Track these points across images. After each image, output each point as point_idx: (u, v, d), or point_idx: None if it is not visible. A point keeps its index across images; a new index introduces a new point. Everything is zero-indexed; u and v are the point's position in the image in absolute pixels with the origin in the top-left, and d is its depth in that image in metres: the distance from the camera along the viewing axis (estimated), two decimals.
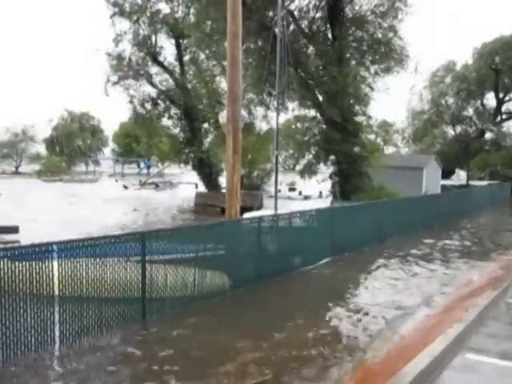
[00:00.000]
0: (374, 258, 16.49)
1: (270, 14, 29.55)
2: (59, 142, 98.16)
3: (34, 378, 7.41)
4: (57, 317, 8.41)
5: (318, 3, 30.59)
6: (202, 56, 39.49)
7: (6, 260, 7.79)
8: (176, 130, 43.82)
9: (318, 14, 30.94)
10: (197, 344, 8.60)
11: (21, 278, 7.90)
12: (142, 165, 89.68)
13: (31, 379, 7.36)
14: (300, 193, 47.90)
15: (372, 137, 34.29)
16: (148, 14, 40.53)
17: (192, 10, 38.35)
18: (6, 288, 7.73)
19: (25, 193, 45.93)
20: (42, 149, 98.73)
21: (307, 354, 8.21)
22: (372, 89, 30.10)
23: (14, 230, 14.99)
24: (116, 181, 69.40)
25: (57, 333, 8.41)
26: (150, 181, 63.16)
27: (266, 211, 20.71)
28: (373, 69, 30.30)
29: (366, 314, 10.57)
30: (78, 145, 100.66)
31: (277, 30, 23.50)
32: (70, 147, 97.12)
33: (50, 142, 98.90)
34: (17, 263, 7.93)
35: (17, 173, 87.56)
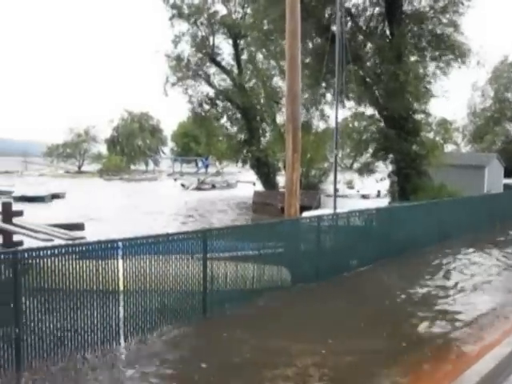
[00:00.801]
0: (434, 258, 16.21)
1: (327, 12, 29.45)
2: (120, 141, 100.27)
3: (102, 371, 7.66)
4: (121, 312, 8.67)
5: (375, 0, 30.29)
6: (260, 56, 39.64)
7: (73, 256, 8.10)
8: (234, 130, 44.15)
9: (376, 11, 30.62)
10: (254, 342, 8.67)
11: (87, 273, 8.18)
12: (200, 164, 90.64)
13: (100, 374, 7.59)
14: (358, 192, 47.53)
15: (431, 135, 33.51)
16: (206, 15, 41.06)
17: (249, 11, 38.58)
18: (74, 284, 8.02)
19: (88, 191, 47.19)
20: (103, 148, 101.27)
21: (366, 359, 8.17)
22: (428, 89, 29.42)
23: (79, 227, 15.40)
24: (175, 180, 70.39)
25: (121, 328, 8.66)
26: (208, 179, 63.78)
27: (325, 210, 20.67)
28: (432, 65, 29.73)
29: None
30: (138, 144, 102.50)
31: (334, 29, 23.40)
32: (130, 147, 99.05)
33: (111, 142, 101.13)
34: (84, 260, 8.22)
35: (79, 172, 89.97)
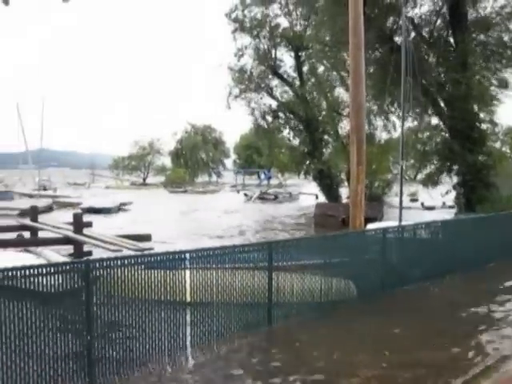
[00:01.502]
0: (500, 274, 15.42)
1: (390, 22, 29.20)
2: (183, 154, 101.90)
3: (168, 379, 7.81)
4: (188, 322, 8.80)
5: (438, 9, 29.83)
6: (321, 67, 39.61)
7: (142, 267, 8.30)
8: (296, 141, 44.17)
9: (439, 20, 30.14)
10: (320, 354, 8.65)
11: (156, 284, 8.36)
12: (263, 176, 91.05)
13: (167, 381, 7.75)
14: (422, 204, 46.64)
15: (498, 145, 32.62)
16: (268, 28, 41.34)
17: (311, 22, 38.62)
18: (142, 293, 8.22)
19: (153, 203, 48.10)
20: (167, 161, 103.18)
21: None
22: (494, 96, 28.63)
23: (146, 238, 15.72)
24: (238, 192, 70.93)
25: (188, 338, 8.78)
26: (270, 191, 64.00)
27: (389, 222, 20.41)
28: (499, 74, 28.97)
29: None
30: (201, 157, 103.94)
31: (397, 39, 23.17)
32: (194, 159, 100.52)
33: (175, 155, 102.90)
34: (152, 270, 8.41)
35: (144, 184, 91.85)
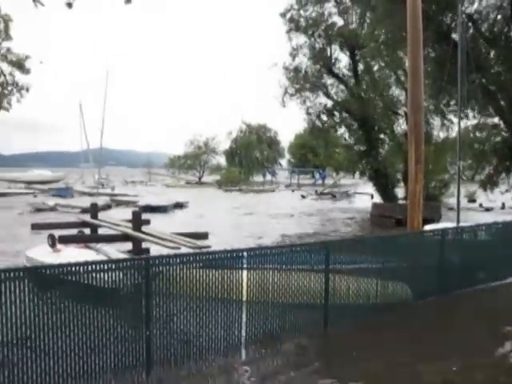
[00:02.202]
0: None
1: (447, 19, 28.62)
2: (238, 153, 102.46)
3: (223, 375, 7.91)
4: (244, 321, 8.88)
5: (499, 3, 29.04)
6: (376, 66, 39.20)
7: (200, 264, 8.43)
8: (351, 141, 43.82)
9: (500, 15, 29.35)
10: (378, 360, 8.58)
11: (213, 282, 8.47)
12: (317, 175, 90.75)
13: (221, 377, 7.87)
14: (480, 205, 45.56)
15: None
16: (323, 27, 41.14)
17: (367, 20, 38.24)
18: (200, 291, 8.34)
19: (208, 201, 48.57)
20: (222, 160, 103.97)
21: None
22: None
23: (203, 236, 15.88)
24: (292, 191, 70.85)
25: (243, 336, 8.86)
26: (326, 191, 63.72)
27: (447, 223, 20.04)
28: None
29: None
30: (256, 156, 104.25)
31: (455, 36, 22.72)
32: (248, 158, 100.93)
33: (230, 154, 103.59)
34: (209, 268, 8.52)
35: (199, 183, 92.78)
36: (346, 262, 10.31)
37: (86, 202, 37.90)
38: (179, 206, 44.06)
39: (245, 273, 8.78)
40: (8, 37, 10.52)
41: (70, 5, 9.76)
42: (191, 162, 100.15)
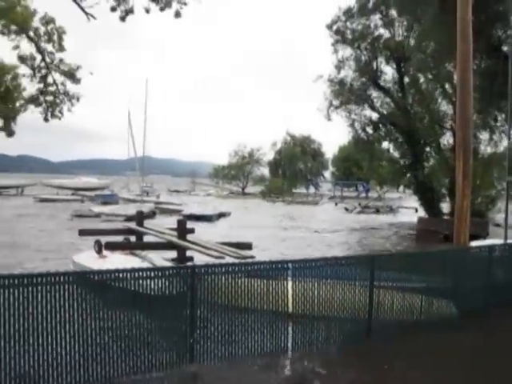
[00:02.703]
0: None
1: (497, 31, 28.15)
2: (282, 164, 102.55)
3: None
4: (290, 333, 8.87)
5: None
6: (423, 78, 38.78)
7: (244, 274, 8.48)
8: (396, 154, 43.41)
9: None
10: (417, 374, 8.45)
11: (258, 292, 8.51)
12: (361, 188, 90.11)
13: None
14: None
15: None
16: (369, 39, 40.99)
17: (414, 32, 37.93)
18: (245, 301, 8.38)
19: (251, 212, 48.75)
20: (265, 171, 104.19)
21: None
22: None
23: (247, 246, 15.86)
24: (336, 204, 70.42)
25: (289, 348, 8.86)
26: (370, 204, 63.16)
27: (494, 240, 19.63)
28: None
29: None
30: (300, 168, 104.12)
31: (506, 48, 22.34)
32: (292, 170, 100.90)
33: (274, 165, 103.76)
34: (254, 278, 8.56)
35: (243, 193, 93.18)
36: (391, 276, 10.20)
37: (130, 209, 38.59)
38: (223, 215, 44.33)
39: (290, 284, 8.79)
40: (61, 48, 10.88)
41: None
42: (235, 173, 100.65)
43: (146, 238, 18.77)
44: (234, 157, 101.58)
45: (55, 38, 11.14)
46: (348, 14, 40.73)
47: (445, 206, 38.79)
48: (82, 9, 10.72)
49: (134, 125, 60.27)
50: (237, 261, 11.73)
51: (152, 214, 41.13)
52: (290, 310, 8.85)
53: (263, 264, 8.78)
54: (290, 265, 8.85)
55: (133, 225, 20.43)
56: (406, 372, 8.47)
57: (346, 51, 41.63)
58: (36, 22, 10.81)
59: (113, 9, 10.22)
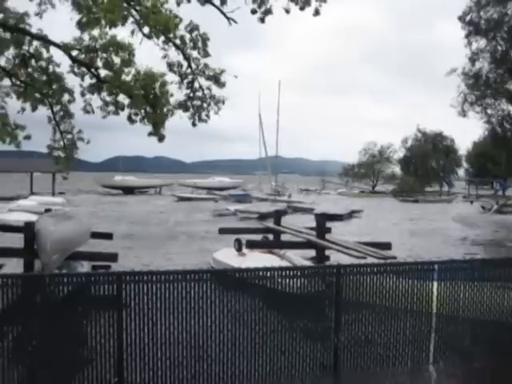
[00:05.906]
0: None
1: None
2: (413, 162, 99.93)
3: None
4: (433, 335, 8.75)
5: None
6: None
7: (390, 275, 8.51)
8: None
9: None
10: None
11: (403, 292, 8.51)
12: (498, 186, 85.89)
13: None
14: None
15: None
16: (506, 28, 39.04)
17: None
18: (389, 301, 8.42)
19: (384, 210, 48.12)
20: (396, 169, 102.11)
21: None
22: None
23: (386, 246, 15.63)
24: (471, 202, 67.52)
25: (431, 351, 8.72)
26: (510, 202, 59.73)
27: None
28: None
29: None
30: (432, 165, 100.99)
31: None
32: (424, 168, 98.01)
33: (404, 163, 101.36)
34: (399, 279, 8.56)
35: (373, 192, 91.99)
36: None
37: (263, 207, 39.61)
38: (354, 214, 44.14)
39: (435, 285, 8.70)
40: (206, 54, 11.41)
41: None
42: (365, 171, 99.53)
43: (283, 237, 19.13)
44: (364, 155, 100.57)
45: (199, 44, 11.72)
46: (480, 3, 39.03)
47: None
48: (224, 14, 11.22)
49: (264, 124, 61.50)
50: (382, 261, 11.78)
51: (284, 213, 41.74)
52: (435, 311, 8.75)
53: (409, 265, 8.79)
54: (435, 266, 8.73)
55: (269, 223, 20.93)
56: None
57: (481, 42, 40.00)
58: (181, 30, 11.40)
59: (253, 11, 10.57)
